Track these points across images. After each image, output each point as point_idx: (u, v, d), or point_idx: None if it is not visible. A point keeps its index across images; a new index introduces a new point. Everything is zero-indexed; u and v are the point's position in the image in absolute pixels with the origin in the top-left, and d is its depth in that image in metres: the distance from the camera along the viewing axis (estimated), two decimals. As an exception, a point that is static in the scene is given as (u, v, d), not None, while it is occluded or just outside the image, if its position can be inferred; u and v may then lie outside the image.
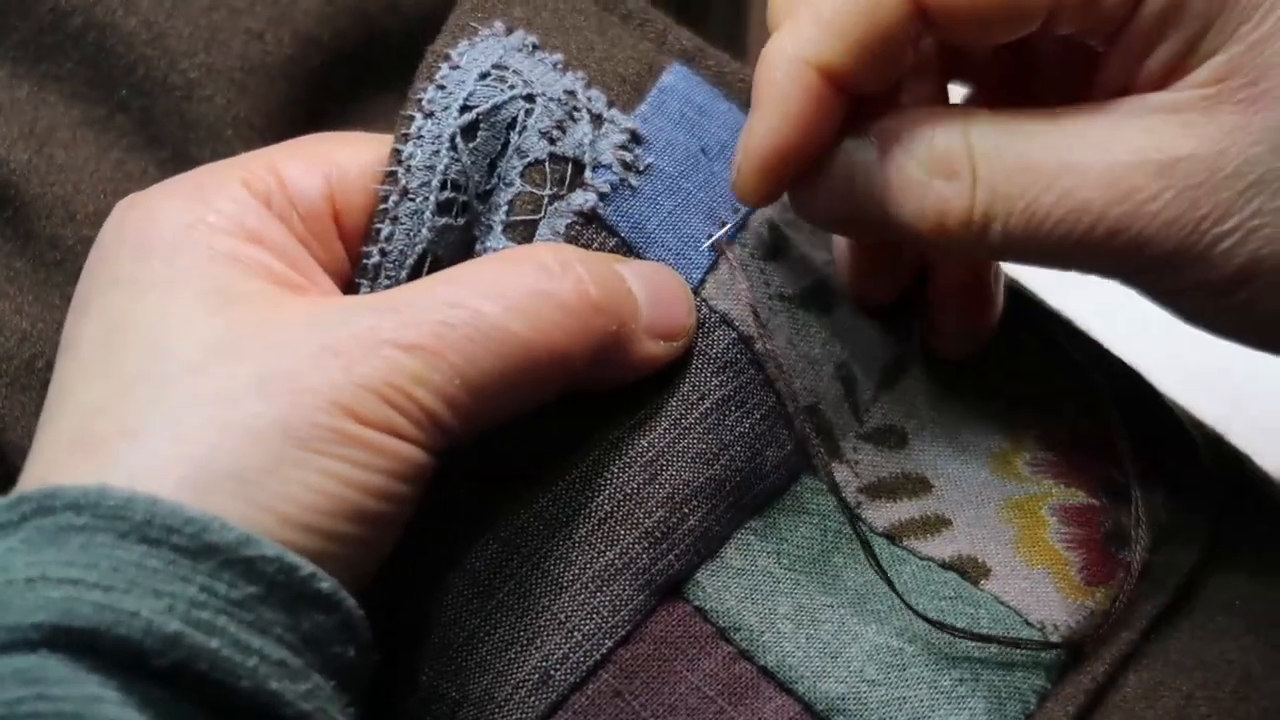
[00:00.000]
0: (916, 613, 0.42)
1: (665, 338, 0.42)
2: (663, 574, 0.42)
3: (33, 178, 0.49)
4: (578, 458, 0.42)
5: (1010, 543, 0.45)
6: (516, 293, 0.38)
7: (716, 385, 0.43)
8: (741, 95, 0.50)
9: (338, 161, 0.42)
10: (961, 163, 0.41)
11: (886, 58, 0.41)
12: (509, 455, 0.42)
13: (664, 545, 0.42)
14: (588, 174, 0.44)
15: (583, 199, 0.43)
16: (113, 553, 0.33)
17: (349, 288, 0.43)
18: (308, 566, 0.35)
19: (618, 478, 0.42)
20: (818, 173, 0.43)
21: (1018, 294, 0.50)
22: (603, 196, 0.43)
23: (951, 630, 0.42)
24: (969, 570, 0.44)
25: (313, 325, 0.37)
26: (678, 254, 0.44)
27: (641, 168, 0.45)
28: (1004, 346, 0.49)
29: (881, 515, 0.45)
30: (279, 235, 0.40)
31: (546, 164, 0.43)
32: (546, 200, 0.43)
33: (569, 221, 0.43)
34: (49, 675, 0.31)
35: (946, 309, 0.47)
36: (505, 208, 0.43)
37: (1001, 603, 0.43)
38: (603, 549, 0.42)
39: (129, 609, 0.32)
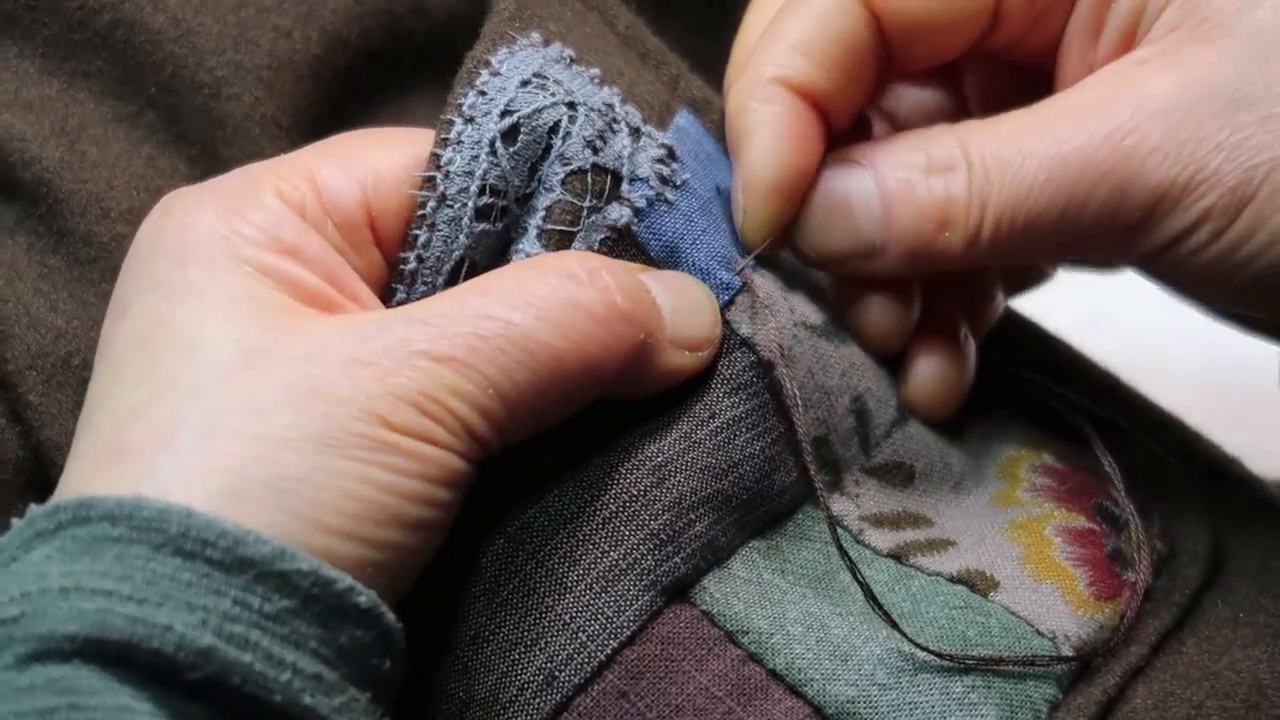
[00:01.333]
0: (917, 643, 0.42)
1: (690, 349, 0.42)
2: (668, 575, 0.42)
3: (65, 175, 0.50)
4: (587, 458, 0.42)
5: (1017, 559, 0.45)
6: (546, 303, 0.38)
7: (729, 405, 0.43)
8: None
9: (373, 166, 0.42)
10: (956, 157, 0.42)
11: (853, 71, 0.43)
12: (519, 452, 0.42)
13: (670, 548, 0.42)
14: (624, 187, 0.43)
15: (618, 214, 0.43)
16: (147, 565, 0.33)
17: (385, 293, 0.43)
18: (345, 580, 0.35)
19: (625, 479, 0.42)
20: (810, 207, 0.44)
21: (1009, 343, 0.51)
22: (637, 212, 0.43)
23: (953, 657, 0.42)
24: (977, 583, 0.44)
25: (344, 337, 0.37)
26: (706, 273, 0.44)
27: (678, 182, 0.45)
28: (1002, 391, 0.50)
29: (885, 539, 0.46)
30: (314, 247, 0.40)
31: (589, 174, 0.43)
32: (585, 212, 0.43)
33: (603, 236, 0.43)
34: (81, 685, 0.32)
35: (921, 370, 0.48)
36: (542, 213, 0.43)
37: (1012, 613, 0.43)
38: (607, 549, 0.42)
39: (162, 622, 0.32)
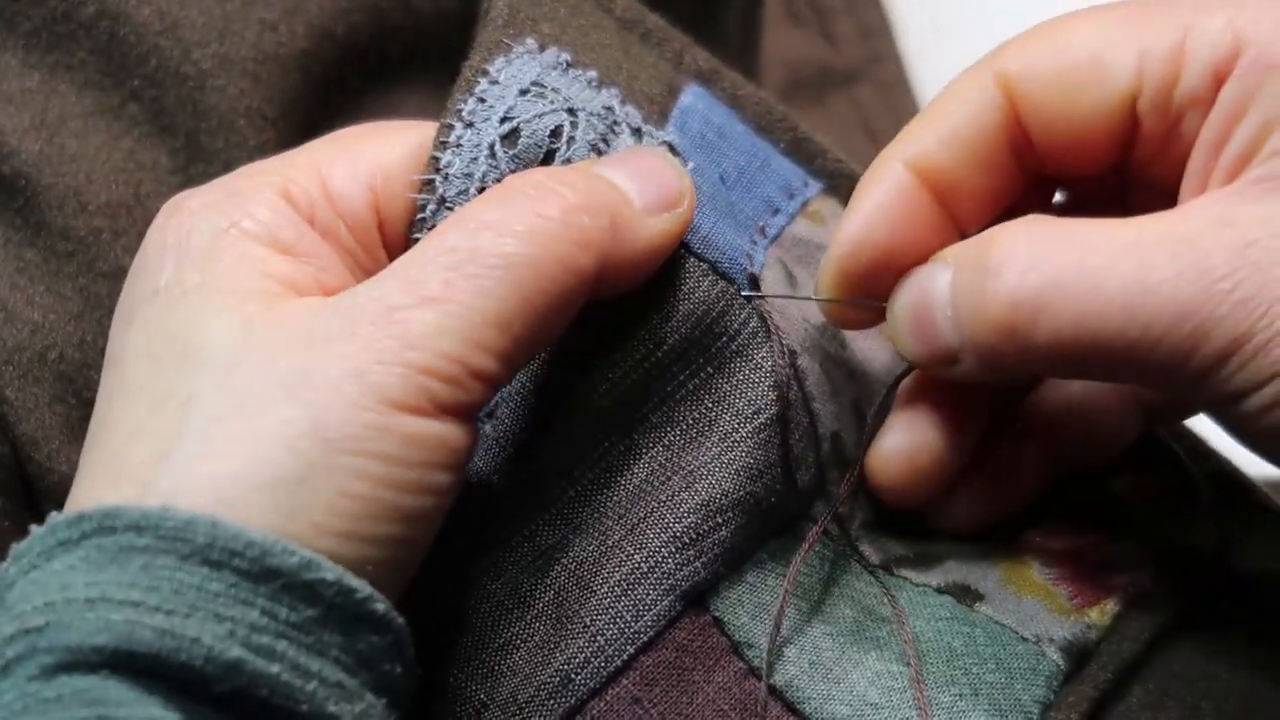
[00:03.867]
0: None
1: (665, 208, 0.42)
2: (688, 580, 0.41)
3: (44, 168, 0.49)
4: (621, 465, 0.42)
5: (998, 580, 0.45)
6: (504, 220, 0.38)
7: (774, 399, 0.43)
8: (756, 117, 0.50)
9: (381, 164, 0.42)
10: (1021, 256, 0.39)
11: (986, 163, 0.41)
12: (551, 452, 0.42)
13: (691, 552, 0.41)
14: None
15: None
16: (174, 575, 0.33)
17: None
18: (365, 589, 0.35)
19: (658, 487, 0.42)
20: (895, 303, 0.42)
21: None
22: None
23: None
24: (962, 596, 0.44)
25: (324, 316, 0.37)
26: (731, 260, 0.44)
27: (688, 170, 0.44)
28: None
29: (878, 551, 0.45)
30: (314, 247, 0.40)
31: None
32: None
33: None
34: (110, 697, 0.31)
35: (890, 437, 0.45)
36: None
37: (996, 622, 0.43)
38: (630, 552, 0.41)
39: (190, 634, 0.32)
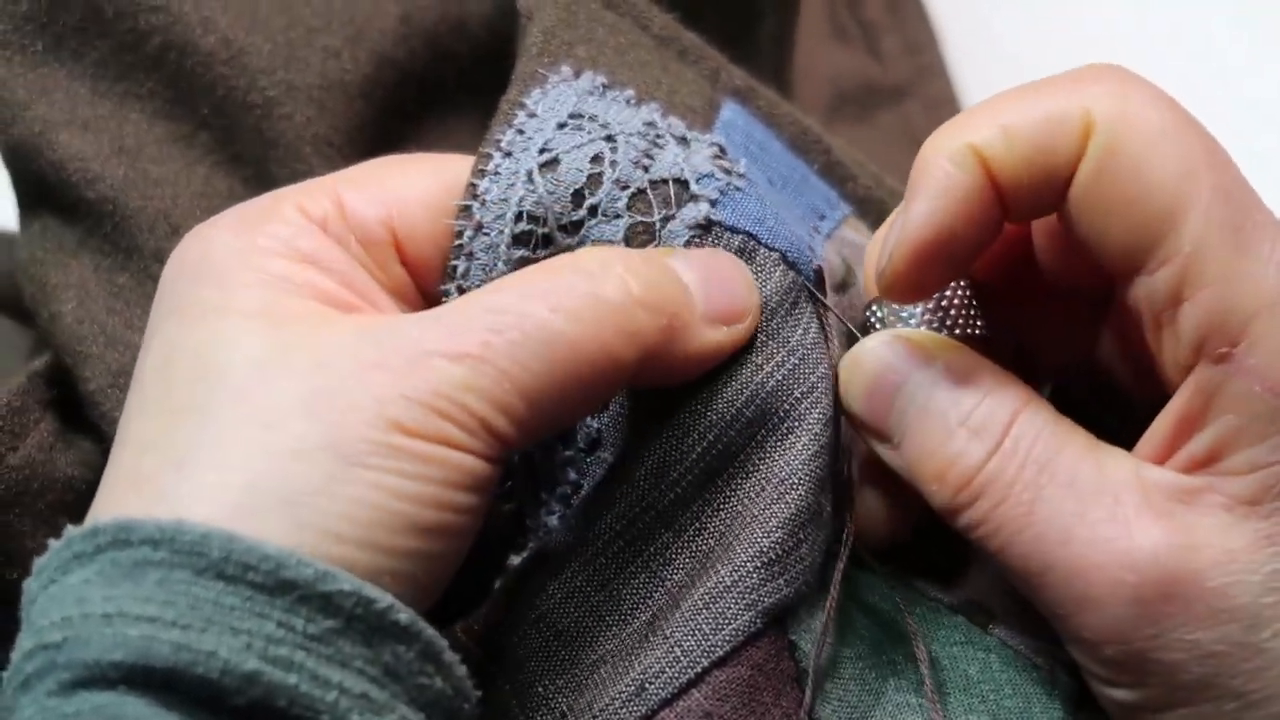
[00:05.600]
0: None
1: (727, 322, 0.41)
2: (771, 597, 0.41)
3: (131, 192, 0.50)
4: (722, 479, 0.42)
5: (1009, 592, 0.44)
6: (560, 295, 0.38)
7: (831, 404, 0.42)
8: (792, 137, 0.50)
9: (396, 190, 0.42)
10: (997, 431, 0.40)
11: (1042, 179, 0.39)
12: (651, 478, 0.42)
13: (776, 568, 0.41)
14: (694, 186, 0.43)
15: (695, 211, 0.42)
16: (190, 590, 0.33)
17: None
18: (385, 599, 0.34)
19: (752, 499, 0.41)
20: (854, 361, 0.43)
21: None
22: (714, 203, 0.43)
23: None
24: (975, 615, 0.44)
25: (358, 341, 0.37)
26: (799, 252, 0.43)
27: (741, 170, 0.44)
28: None
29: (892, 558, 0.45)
30: (334, 256, 0.40)
31: (649, 191, 0.42)
32: (658, 224, 0.42)
33: (686, 239, 0.42)
34: (128, 713, 0.31)
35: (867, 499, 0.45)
36: (621, 242, 0.42)
37: (1008, 646, 0.43)
38: (718, 566, 0.41)
39: (207, 648, 0.32)
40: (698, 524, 0.42)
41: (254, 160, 0.52)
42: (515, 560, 0.44)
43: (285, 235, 0.39)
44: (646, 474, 0.41)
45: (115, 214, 0.50)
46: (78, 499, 0.48)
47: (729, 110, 0.47)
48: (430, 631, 0.35)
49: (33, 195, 0.52)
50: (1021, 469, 0.39)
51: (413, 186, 0.42)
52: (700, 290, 0.41)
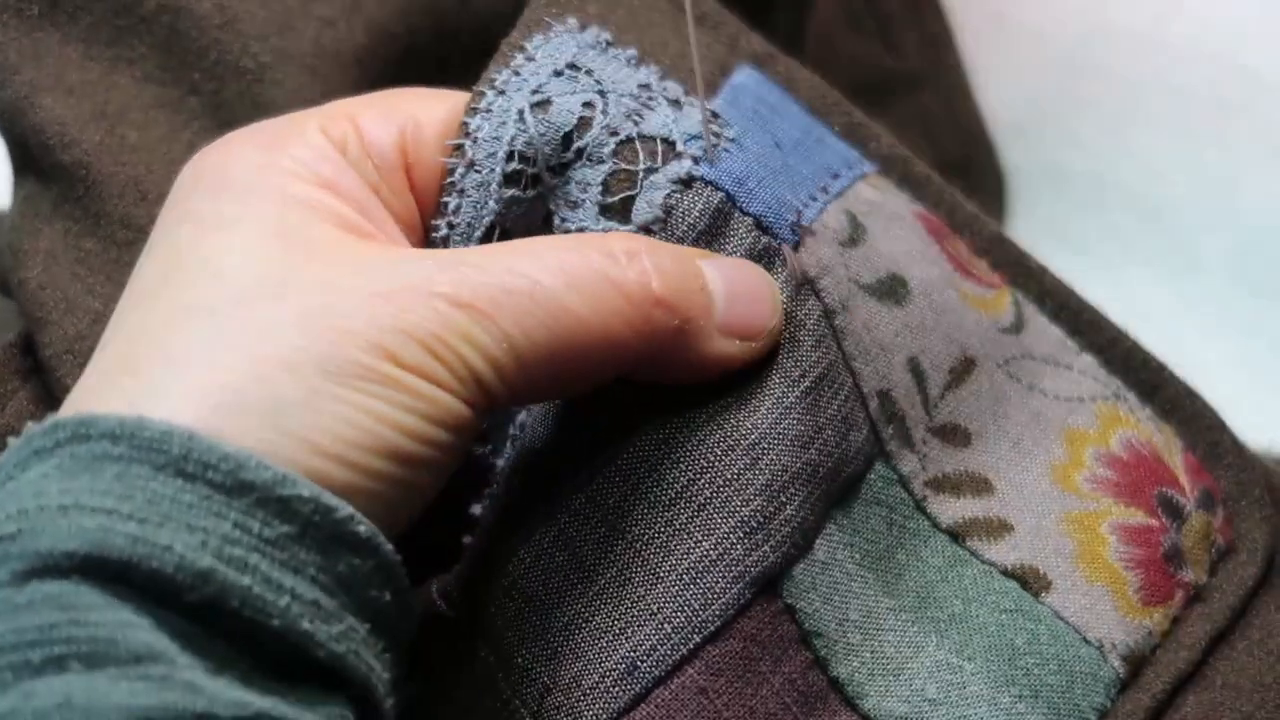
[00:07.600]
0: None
1: (743, 337, 0.41)
2: (757, 566, 0.40)
3: (104, 157, 0.49)
4: (684, 439, 0.41)
5: (1070, 556, 0.44)
6: (579, 273, 0.37)
7: (816, 360, 0.42)
8: (811, 100, 0.49)
9: (414, 115, 0.42)
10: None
11: None
12: (606, 434, 0.41)
13: (759, 535, 0.40)
14: (680, 145, 0.43)
15: (678, 167, 0.42)
16: (148, 485, 0.32)
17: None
18: (345, 509, 0.34)
19: (720, 460, 0.41)
20: None
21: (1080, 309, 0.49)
22: (697, 160, 0.43)
23: None
24: (1030, 581, 0.43)
25: (369, 269, 0.37)
26: (777, 215, 0.43)
27: (731, 135, 0.44)
28: (1062, 353, 0.48)
29: (946, 511, 0.44)
30: (352, 183, 0.40)
31: (637, 141, 0.42)
32: (641, 174, 0.42)
33: (667, 192, 0.42)
34: (81, 601, 0.31)
35: None
36: (600, 187, 0.42)
37: (1061, 619, 0.43)
38: (699, 539, 0.40)
39: (162, 543, 0.32)
40: (655, 475, 0.41)
41: (243, 125, 0.50)
42: (478, 510, 0.44)
43: (307, 159, 0.39)
44: (608, 427, 0.41)
45: (87, 178, 0.49)
46: None
47: (743, 74, 0.47)
48: (389, 548, 0.35)
49: (18, 161, 0.52)
50: None
51: (430, 112, 0.42)
52: (723, 299, 0.40)
